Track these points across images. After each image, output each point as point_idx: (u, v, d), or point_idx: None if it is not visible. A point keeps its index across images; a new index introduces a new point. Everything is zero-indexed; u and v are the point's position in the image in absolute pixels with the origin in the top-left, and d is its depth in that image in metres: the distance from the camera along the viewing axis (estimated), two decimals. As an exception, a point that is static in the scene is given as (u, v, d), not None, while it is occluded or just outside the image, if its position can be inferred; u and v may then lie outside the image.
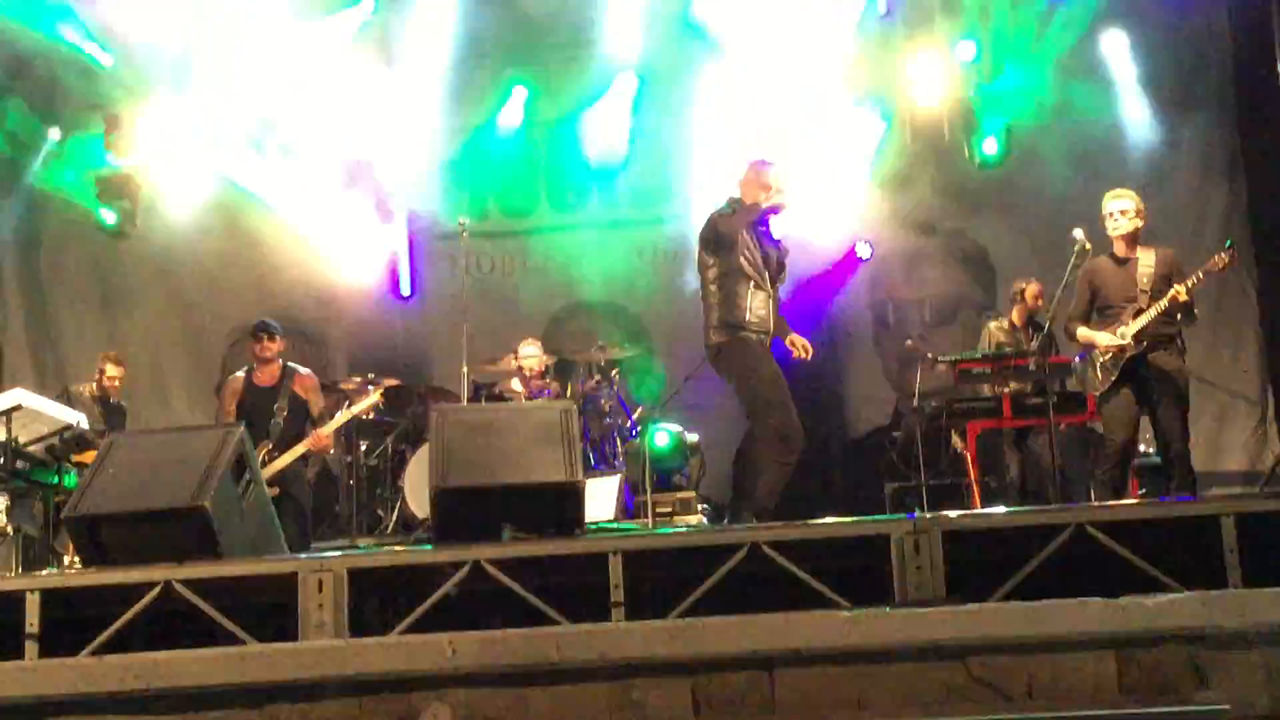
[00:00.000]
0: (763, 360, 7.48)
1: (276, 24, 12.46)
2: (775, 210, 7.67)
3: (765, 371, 7.44)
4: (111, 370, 11.06)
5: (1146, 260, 8.05)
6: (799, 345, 7.72)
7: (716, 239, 7.56)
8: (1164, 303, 7.83)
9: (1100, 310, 8.11)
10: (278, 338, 9.51)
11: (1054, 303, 8.18)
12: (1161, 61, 12.28)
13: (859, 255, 8.53)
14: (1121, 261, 8.07)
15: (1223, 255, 7.88)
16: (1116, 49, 12.32)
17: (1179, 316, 7.93)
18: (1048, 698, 4.92)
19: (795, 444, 7.36)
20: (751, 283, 7.50)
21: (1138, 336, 7.90)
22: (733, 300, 7.49)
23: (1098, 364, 8.06)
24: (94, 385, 10.91)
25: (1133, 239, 8.07)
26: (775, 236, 7.77)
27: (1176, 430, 7.90)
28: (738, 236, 7.50)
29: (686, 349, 11.18)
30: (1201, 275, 7.87)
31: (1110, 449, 7.98)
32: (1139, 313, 7.93)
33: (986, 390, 10.04)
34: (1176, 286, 7.81)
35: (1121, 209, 8.07)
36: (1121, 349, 7.93)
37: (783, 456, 7.32)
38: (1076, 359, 8.37)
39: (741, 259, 7.51)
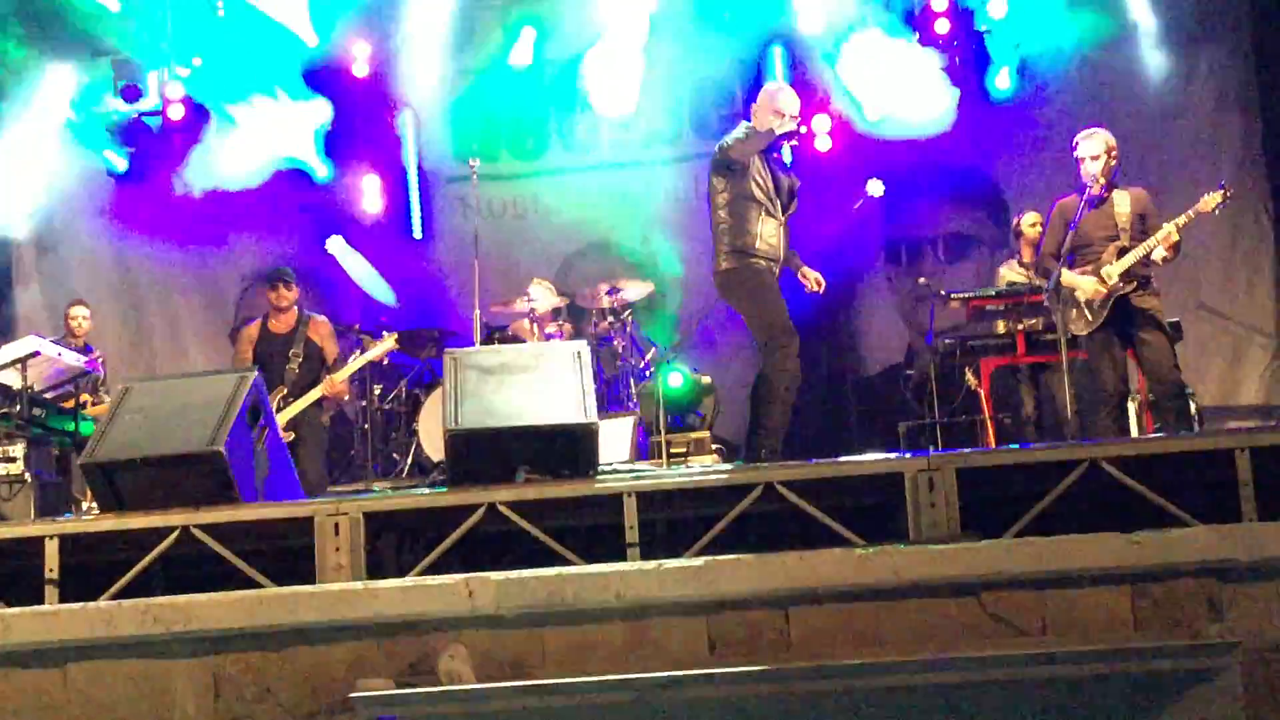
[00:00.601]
0: (771, 287, 7.46)
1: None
2: (788, 137, 7.64)
3: (774, 298, 7.43)
4: (78, 312, 10.94)
5: (1122, 201, 8.04)
6: (810, 278, 7.71)
7: (728, 164, 7.52)
8: (1154, 241, 7.82)
9: (1078, 249, 8.06)
10: (293, 286, 9.53)
11: (1079, 212, 8.08)
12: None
13: (871, 193, 8.48)
14: (1097, 201, 8.04)
15: (1214, 195, 7.87)
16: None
17: (1165, 257, 7.87)
18: (1062, 633, 4.94)
19: (797, 378, 7.37)
20: (763, 209, 7.48)
21: (1125, 275, 7.87)
22: (743, 226, 7.47)
23: (1082, 304, 8.00)
24: (68, 335, 10.75)
25: (1104, 179, 8.02)
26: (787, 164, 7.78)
27: (1166, 362, 7.85)
28: (749, 162, 7.46)
29: (700, 290, 11.20)
30: (1193, 214, 7.85)
31: (1105, 390, 7.94)
32: (1123, 251, 7.89)
33: (1000, 327, 10.01)
34: (1169, 225, 7.79)
35: (1092, 153, 8.04)
36: (1109, 291, 7.89)
37: (786, 392, 7.32)
38: (1049, 299, 8.23)
39: (753, 184, 7.48)
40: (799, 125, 7.66)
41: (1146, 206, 8.07)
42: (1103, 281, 7.88)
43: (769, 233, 7.47)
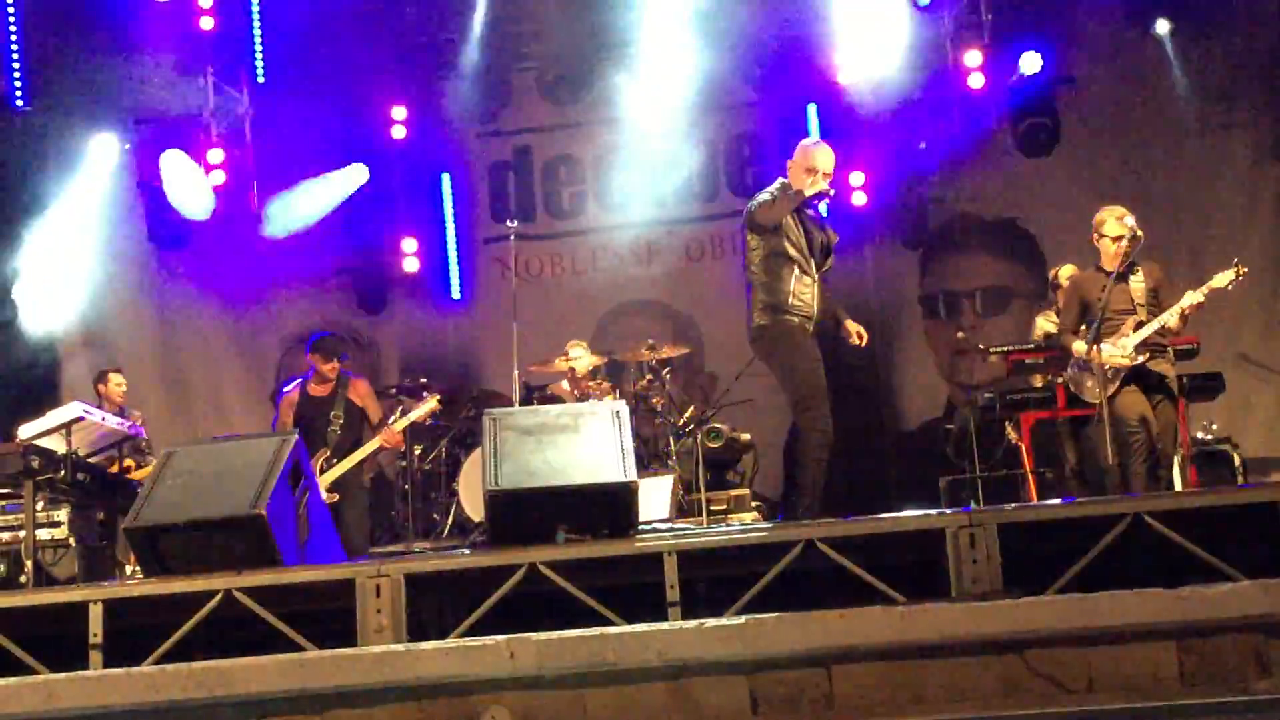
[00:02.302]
0: (803, 345, 7.44)
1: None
2: (820, 196, 7.64)
3: (806, 357, 7.41)
4: (114, 379, 10.98)
5: (1138, 275, 8.16)
6: (853, 331, 7.72)
7: (757, 226, 7.56)
8: (1167, 316, 7.97)
9: (1092, 323, 8.14)
10: (335, 360, 9.59)
11: (1106, 291, 8.12)
12: (1210, 46, 12.15)
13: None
14: (1113, 275, 8.10)
15: (1227, 273, 7.95)
16: (1165, 36, 12.20)
17: (1180, 328, 8.07)
18: (1108, 689, 4.89)
19: (828, 437, 7.35)
20: (796, 266, 7.47)
21: (1140, 348, 8.01)
22: (776, 284, 7.47)
23: (1095, 373, 8.09)
24: (105, 402, 10.80)
25: (1121, 260, 8.12)
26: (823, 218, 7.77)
27: (1170, 432, 8.06)
28: (782, 221, 7.48)
29: (737, 347, 11.15)
30: (1207, 290, 7.94)
31: (1137, 440, 7.96)
32: (1140, 325, 8.04)
33: (1039, 380, 9.98)
34: (1186, 298, 7.91)
35: (1114, 235, 8.12)
36: (1126, 360, 8.02)
37: (819, 450, 7.31)
38: (1070, 368, 8.48)
39: (786, 242, 7.48)
40: (830, 184, 7.65)
41: (1160, 280, 8.20)
42: (1123, 349, 8.03)
43: (803, 290, 7.48)
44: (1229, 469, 9.64)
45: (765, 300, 7.50)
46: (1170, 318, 7.97)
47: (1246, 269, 7.96)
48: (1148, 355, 8.00)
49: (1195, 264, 11.19)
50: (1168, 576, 5.07)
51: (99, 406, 10.16)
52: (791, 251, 7.48)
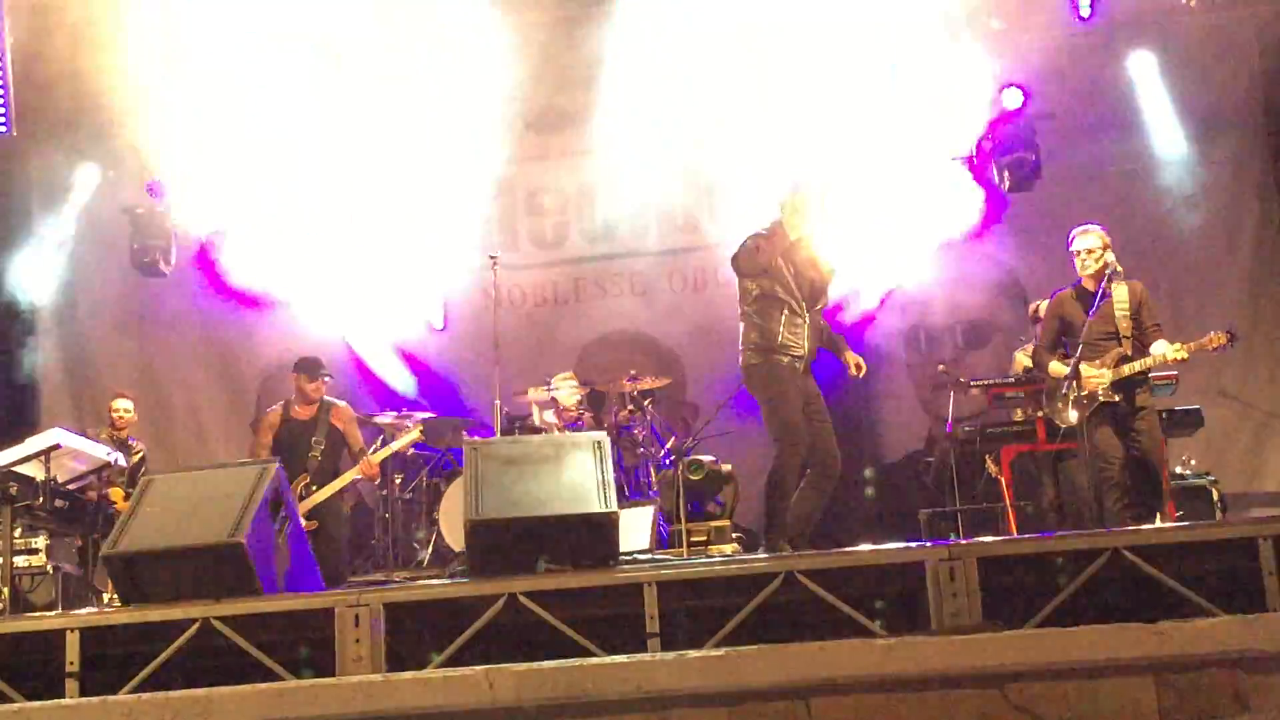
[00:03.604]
0: (790, 385, 7.44)
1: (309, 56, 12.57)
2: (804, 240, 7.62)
3: (792, 397, 7.41)
4: (121, 405, 10.98)
5: (1120, 295, 8.23)
6: (851, 363, 7.75)
7: (743, 272, 7.58)
8: (1150, 362, 8.08)
9: (1077, 343, 8.22)
10: (320, 380, 9.58)
11: (1085, 327, 8.17)
12: (1191, 81, 12.23)
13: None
14: (1089, 295, 8.17)
15: (1218, 335, 8.06)
16: (1145, 69, 12.28)
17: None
18: (1087, 724, 4.89)
19: (829, 470, 7.37)
20: (786, 308, 7.48)
21: (1118, 385, 8.12)
22: (767, 324, 7.48)
23: (1070, 398, 8.23)
24: (109, 428, 10.82)
25: (1100, 275, 8.21)
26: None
27: (1155, 457, 8.10)
28: (772, 263, 7.48)
29: (719, 378, 11.21)
30: (1194, 347, 8.06)
31: (1110, 476, 8.03)
32: (1123, 359, 8.11)
33: (1020, 414, 10.02)
34: (1169, 350, 8.01)
35: (1088, 248, 8.26)
36: (1096, 391, 8.14)
37: (818, 483, 7.33)
38: (1046, 393, 8.64)
39: (776, 285, 7.49)
40: (811, 229, 7.62)
41: (1142, 298, 8.26)
42: (1101, 378, 8.12)
43: (793, 331, 7.46)
44: (1208, 504, 9.66)
45: (756, 341, 7.51)
46: (1151, 364, 8.07)
47: (1233, 339, 8.07)
48: (1119, 397, 8.11)
49: (1174, 298, 11.28)
50: (1146, 611, 5.09)
51: (105, 433, 10.21)
52: (781, 294, 7.48)
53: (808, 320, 7.55)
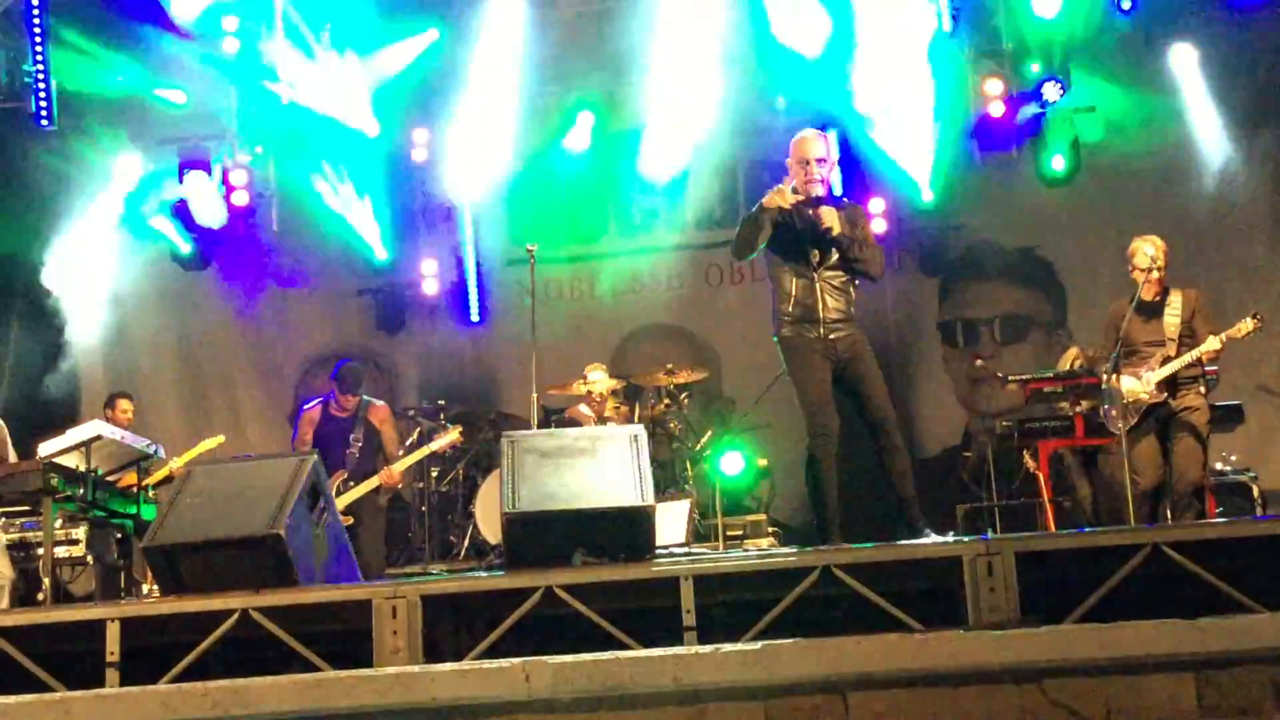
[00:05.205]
0: (809, 359, 7.21)
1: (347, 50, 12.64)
2: (812, 202, 7.28)
3: (811, 373, 7.20)
4: (121, 404, 11.00)
5: (1174, 304, 8.21)
6: (825, 216, 7.25)
7: (739, 255, 7.49)
8: (1190, 356, 8.04)
9: (1127, 354, 8.19)
10: (353, 395, 9.60)
11: (1126, 320, 8.13)
12: (1231, 76, 12.14)
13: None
14: (1147, 306, 8.15)
15: (1248, 322, 8.00)
16: (1186, 63, 12.19)
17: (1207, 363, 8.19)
18: (1126, 720, 4.87)
19: (883, 440, 7.19)
20: (792, 270, 7.29)
21: (1162, 385, 8.08)
22: (780, 291, 7.30)
23: (1118, 407, 8.18)
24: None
25: (1158, 285, 8.19)
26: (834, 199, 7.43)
27: (1194, 468, 8.05)
28: (762, 238, 7.21)
29: (754, 371, 11.22)
30: (1225, 338, 8.01)
31: (1140, 490, 8.03)
32: (1166, 360, 8.09)
33: (1059, 409, 9.97)
34: (1209, 343, 7.98)
35: (1150, 255, 8.17)
36: (1149, 400, 8.11)
37: (882, 454, 7.20)
38: (1103, 405, 8.57)
39: (779, 249, 7.30)
40: (810, 182, 7.26)
41: (1197, 306, 8.23)
42: (1145, 383, 8.10)
43: (800, 292, 7.24)
44: (1248, 500, 9.61)
45: (775, 310, 7.33)
46: (1193, 358, 8.05)
47: (1262, 322, 8.00)
48: (1165, 395, 8.08)
49: (1216, 293, 11.17)
50: (1186, 608, 5.05)
51: None
52: (786, 256, 7.31)
53: (819, 281, 7.27)
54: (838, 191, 7.58)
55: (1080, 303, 12.01)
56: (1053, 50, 12.13)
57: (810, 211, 7.24)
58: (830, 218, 7.20)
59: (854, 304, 7.36)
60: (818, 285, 7.25)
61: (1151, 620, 4.97)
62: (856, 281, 7.38)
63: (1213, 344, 7.99)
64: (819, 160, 7.32)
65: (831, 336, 7.22)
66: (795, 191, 7.28)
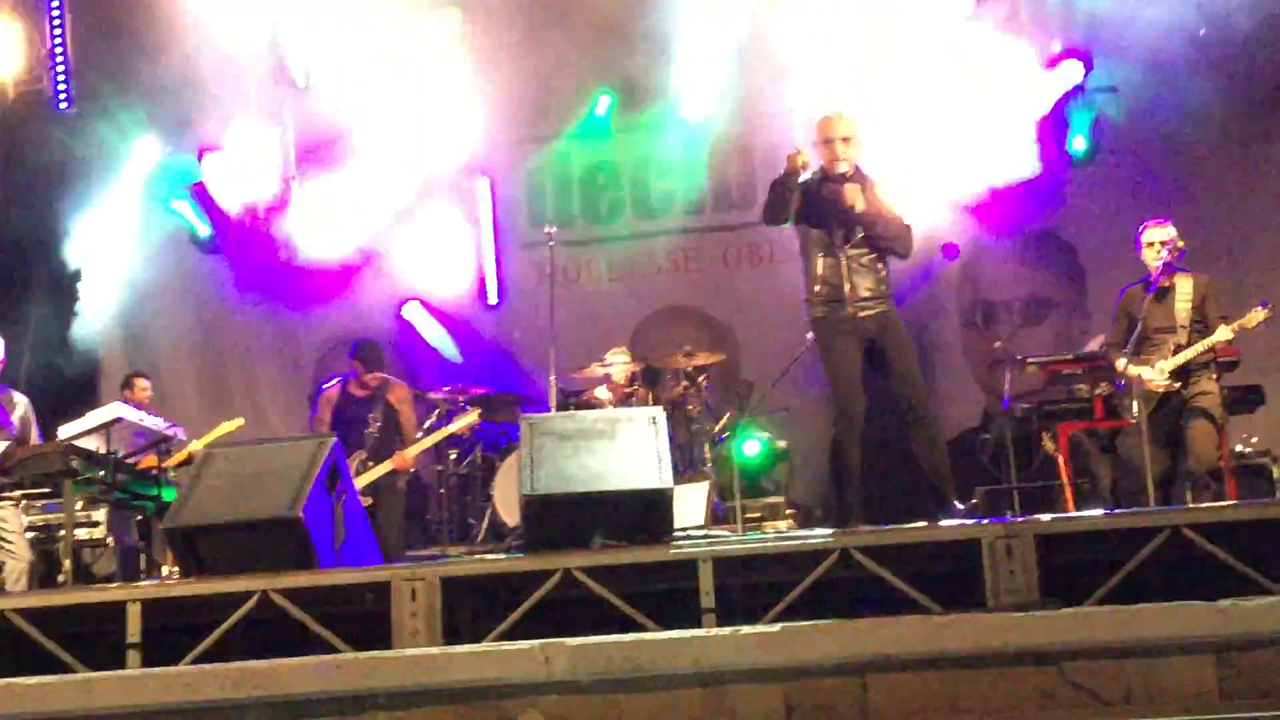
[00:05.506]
0: (836, 339, 7.26)
1: (361, 32, 12.60)
2: (833, 178, 7.29)
3: (837, 354, 7.25)
4: (140, 383, 10.99)
5: (1184, 289, 8.19)
6: (847, 193, 7.27)
7: (770, 223, 7.47)
8: (1202, 346, 8.04)
9: (1139, 339, 8.18)
10: (375, 371, 9.61)
11: (1144, 304, 8.10)
12: (1256, 54, 12.04)
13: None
14: (1158, 291, 8.09)
15: (1259, 312, 7.99)
16: (1210, 42, 12.08)
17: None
18: (1146, 703, 4.86)
19: (914, 419, 7.23)
20: (819, 249, 7.31)
21: (1175, 374, 8.07)
22: (810, 270, 7.34)
23: (1135, 394, 8.20)
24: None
25: (1169, 269, 8.15)
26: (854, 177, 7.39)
27: (1209, 452, 8.03)
28: (789, 213, 7.29)
29: (773, 354, 11.17)
30: (1237, 328, 7.99)
31: (1153, 476, 8.00)
32: (1178, 348, 8.09)
33: (1078, 391, 9.92)
34: (1220, 334, 7.98)
35: (1162, 239, 8.18)
36: (1163, 389, 8.10)
37: (914, 436, 7.19)
38: (1116, 388, 8.62)
39: (806, 227, 7.34)
40: (834, 160, 7.31)
41: (1208, 291, 8.22)
42: (1159, 373, 8.08)
43: (827, 272, 7.27)
44: (1269, 483, 9.56)
45: (806, 290, 7.37)
46: (1204, 347, 8.04)
47: (1273, 311, 7.98)
48: (1178, 384, 8.08)
49: (1238, 275, 11.11)
50: (1207, 590, 5.04)
51: None
52: (812, 234, 7.32)
53: (845, 258, 7.28)
54: (866, 170, 7.50)
55: (1101, 285, 11.94)
56: (1074, 29, 12.05)
57: (833, 189, 7.24)
58: (853, 195, 7.20)
59: (885, 281, 7.36)
60: (844, 264, 7.26)
61: (1172, 602, 4.96)
62: (886, 259, 7.37)
63: (1224, 335, 7.99)
64: (843, 139, 7.33)
65: (860, 315, 7.23)
66: (823, 170, 7.30)
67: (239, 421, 9.75)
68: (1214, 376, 8.20)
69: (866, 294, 7.26)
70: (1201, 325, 8.11)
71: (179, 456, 9.23)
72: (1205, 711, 4.77)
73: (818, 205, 7.30)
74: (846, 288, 7.25)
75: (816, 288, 7.28)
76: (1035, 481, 10.18)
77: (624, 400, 10.63)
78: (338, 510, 6.34)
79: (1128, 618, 4.94)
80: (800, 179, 7.30)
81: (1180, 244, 8.11)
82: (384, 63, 12.62)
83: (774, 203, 7.31)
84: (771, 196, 7.31)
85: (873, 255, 7.31)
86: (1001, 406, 10.53)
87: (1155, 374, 8.08)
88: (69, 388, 12.57)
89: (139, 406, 10.65)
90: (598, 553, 5.77)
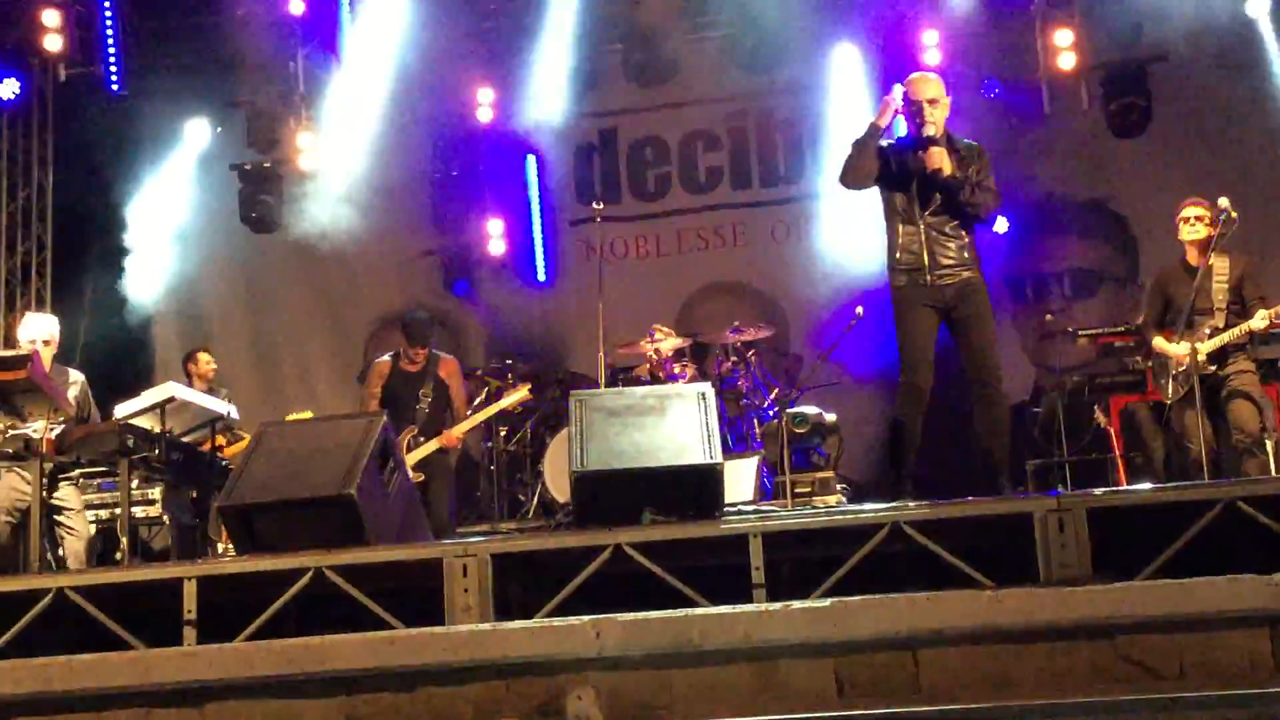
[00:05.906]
0: (908, 310, 7.08)
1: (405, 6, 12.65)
2: (920, 141, 7.08)
3: (908, 325, 7.08)
4: (203, 358, 11.05)
5: (1221, 267, 8.08)
6: (934, 157, 7.05)
7: (849, 188, 7.27)
8: (1239, 331, 7.97)
9: (1174, 319, 8.16)
10: (421, 347, 9.64)
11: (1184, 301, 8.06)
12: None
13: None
14: (1193, 270, 8.06)
15: None
16: (1259, 10, 11.94)
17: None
18: (1200, 677, 4.83)
19: (982, 394, 7.10)
20: (900, 217, 7.13)
21: (1211, 356, 8.03)
22: (890, 239, 7.15)
23: (1171, 374, 8.21)
24: (194, 380, 10.81)
25: (1204, 246, 8.06)
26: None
27: (1253, 420, 7.95)
28: (868, 179, 7.13)
29: (822, 328, 11.18)
30: (1272, 315, 7.90)
31: (1191, 459, 8.03)
32: (1215, 331, 8.02)
33: (1130, 364, 9.85)
34: (1256, 320, 7.90)
35: (1197, 214, 8.13)
36: (1199, 370, 8.04)
37: (977, 411, 7.10)
38: (1151, 365, 8.61)
39: (886, 193, 7.16)
40: (923, 124, 7.06)
41: (1246, 270, 8.14)
42: (1195, 353, 8.01)
43: (907, 240, 7.09)
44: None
45: (886, 258, 7.25)
46: (1241, 331, 7.98)
47: None
48: (1216, 368, 8.04)
49: (1259, 280, 10.98)
50: (1262, 563, 5.00)
51: (189, 385, 10.32)
52: (894, 201, 7.15)
53: (923, 227, 7.09)
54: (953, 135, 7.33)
55: (1153, 257, 11.83)
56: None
57: (920, 153, 7.11)
58: (940, 159, 7.01)
59: (969, 248, 7.14)
60: (924, 232, 7.09)
61: (1226, 575, 4.93)
62: (971, 226, 7.22)
63: (1259, 323, 7.91)
64: (929, 101, 7.17)
65: (941, 283, 7.07)
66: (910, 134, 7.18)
67: (307, 414, 9.79)
68: (1250, 355, 8.13)
69: (948, 262, 7.07)
70: (1239, 306, 8.04)
71: (237, 447, 9.31)
72: (1259, 685, 4.74)
73: (901, 169, 7.15)
74: (926, 256, 7.07)
75: (898, 255, 7.10)
76: (1086, 455, 10.12)
77: (672, 376, 10.64)
78: (389, 488, 6.39)
79: (1181, 591, 4.90)
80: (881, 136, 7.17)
81: (1234, 214, 7.99)
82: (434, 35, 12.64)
83: (852, 161, 7.14)
84: (850, 155, 7.14)
85: (954, 223, 7.10)
86: (1052, 380, 10.48)
87: (1189, 355, 8.02)
88: (125, 363, 12.71)
89: (204, 380, 10.77)
90: (648, 528, 5.78)
